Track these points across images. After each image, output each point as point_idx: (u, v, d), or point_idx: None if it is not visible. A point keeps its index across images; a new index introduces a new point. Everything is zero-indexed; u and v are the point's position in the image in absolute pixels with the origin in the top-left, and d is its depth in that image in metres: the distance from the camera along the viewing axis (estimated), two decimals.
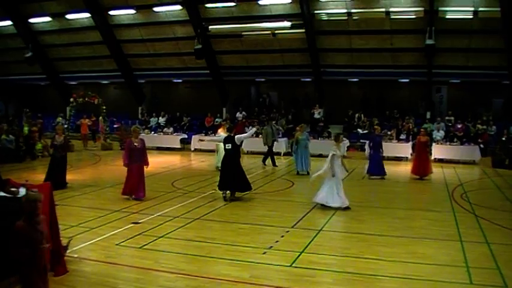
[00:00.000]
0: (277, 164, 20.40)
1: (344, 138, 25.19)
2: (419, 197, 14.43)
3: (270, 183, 16.45)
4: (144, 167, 13.31)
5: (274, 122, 23.32)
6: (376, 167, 17.54)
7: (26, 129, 23.76)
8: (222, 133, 18.54)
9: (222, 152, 18.10)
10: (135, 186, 13.04)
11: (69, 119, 29.28)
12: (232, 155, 13.36)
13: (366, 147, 19.43)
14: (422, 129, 19.84)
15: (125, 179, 13.20)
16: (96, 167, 20.37)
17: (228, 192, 13.23)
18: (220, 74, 31.67)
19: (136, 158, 13.11)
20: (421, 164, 17.64)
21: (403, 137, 24.60)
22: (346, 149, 24.06)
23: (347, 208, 12.02)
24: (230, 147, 13.31)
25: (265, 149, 21.05)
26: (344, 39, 27.51)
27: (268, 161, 20.50)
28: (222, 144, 18.02)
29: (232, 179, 13.07)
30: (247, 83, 33.89)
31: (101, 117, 28.75)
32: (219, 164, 18.26)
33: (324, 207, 12.08)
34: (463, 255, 8.53)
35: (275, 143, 20.94)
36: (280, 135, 22.33)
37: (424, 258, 8.34)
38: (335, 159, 12.22)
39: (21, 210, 4.85)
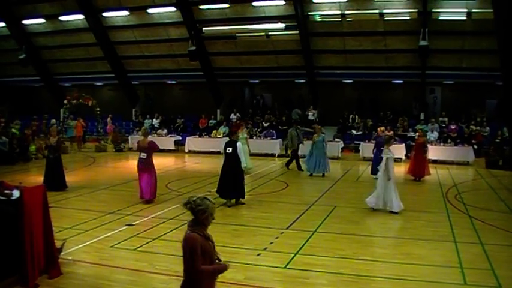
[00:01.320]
0: (302, 168, 19.73)
1: (337, 140, 25.36)
2: (413, 198, 14.44)
3: (264, 185, 16.46)
4: None
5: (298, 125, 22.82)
6: (376, 168, 17.54)
7: (14, 131, 23.52)
8: (240, 134, 18.71)
9: (245, 152, 18.34)
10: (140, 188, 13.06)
11: (63, 121, 29.21)
12: (234, 160, 13.00)
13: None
14: (419, 130, 19.89)
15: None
16: (90, 168, 20.30)
17: (233, 200, 13.04)
18: (214, 76, 31.66)
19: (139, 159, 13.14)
20: (417, 165, 17.67)
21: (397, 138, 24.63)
22: (340, 150, 24.14)
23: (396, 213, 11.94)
24: (231, 151, 12.97)
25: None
26: (338, 41, 27.57)
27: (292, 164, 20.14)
28: (242, 146, 18.38)
29: (233, 186, 12.87)
30: (241, 85, 33.92)
31: (109, 118, 28.64)
32: (246, 164, 18.47)
33: (376, 210, 12.06)
34: (457, 255, 8.55)
35: (300, 145, 20.50)
36: (304, 138, 21.77)
37: (419, 259, 8.36)
38: (390, 162, 12.11)
39: (195, 220, 4.75)
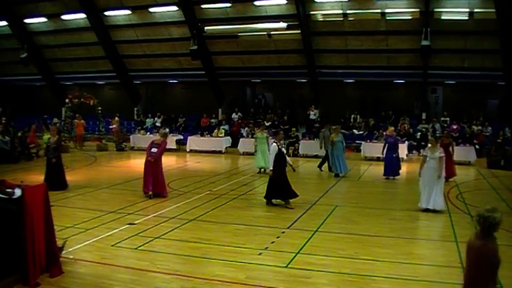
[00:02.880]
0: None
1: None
2: (414, 197, 14.40)
3: (265, 185, 16.40)
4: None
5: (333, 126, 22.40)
6: (388, 169, 17.59)
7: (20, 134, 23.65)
8: (259, 134, 18.77)
9: (263, 152, 18.37)
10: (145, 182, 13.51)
11: (65, 119, 29.24)
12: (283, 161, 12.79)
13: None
14: (445, 131, 19.83)
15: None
16: (92, 167, 20.31)
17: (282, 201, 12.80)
18: (216, 75, 31.67)
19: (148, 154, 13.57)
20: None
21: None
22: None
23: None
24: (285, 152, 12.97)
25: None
26: (340, 40, 27.57)
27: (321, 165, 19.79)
28: (262, 145, 18.42)
29: (286, 186, 12.70)
30: (243, 84, 33.97)
31: (116, 118, 28.65)
32: (262, 165, 18.53)
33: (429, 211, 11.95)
34: (458, 255, 8.53)
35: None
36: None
37: (420, 259, 8.36)
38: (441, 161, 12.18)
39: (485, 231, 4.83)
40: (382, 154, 18.04)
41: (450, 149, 16.80)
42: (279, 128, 21.23)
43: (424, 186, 12.13)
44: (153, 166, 13.29)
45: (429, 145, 12.82)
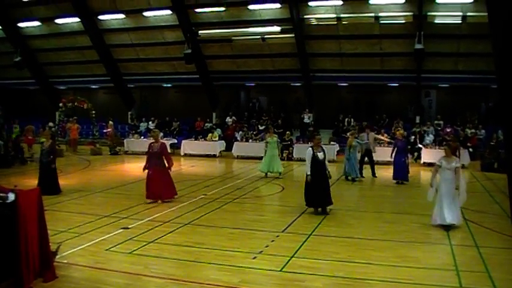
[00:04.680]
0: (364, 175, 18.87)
1: (333, 142, 25.38)
2: (408, 201, 14.47)
3: (260, 188, 16.45)
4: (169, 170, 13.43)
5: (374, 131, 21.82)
6: (397, 172, 17.55)
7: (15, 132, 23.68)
8: (269, 138, 18.74)
9: (272, 157, 18.37)
10: (161, 190, 13.23)
11: (58, 123, 29.17)
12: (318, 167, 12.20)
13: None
14: (451, 135, 19.78)
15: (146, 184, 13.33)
16: (86, 172, 20.25)
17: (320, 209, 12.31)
18: (210, 79, 31.65)
19: (153, 161, 13.25)
20: None
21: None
22: (336, 153, 24.13)
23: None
24: (323, 157, 12.20)
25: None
26: (333, 44, 27.63)
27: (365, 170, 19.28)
28: (272, 150, 18.37)
29: (326, 192, 12.21)
30: (237, 88, 33.98)
31: (111, 122, 28.60)
32: (268, 169, 18.48)
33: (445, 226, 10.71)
34: (452, 258, 8.57)
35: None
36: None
37: (414, 262, 8.36)
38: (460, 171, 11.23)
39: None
40: (391, 157, 17.89)
41: (457, 153, 16.71)
42: (315, 132, 21.07)
43: (440, 199, 10.87)
44: (162, 173, 13.23)
45: (443, 154, 11.58)
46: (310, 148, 12.25)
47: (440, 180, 11.08)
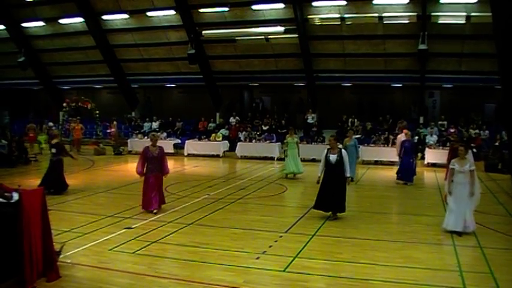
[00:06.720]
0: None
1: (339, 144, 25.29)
2: (412, 201, 14.44)
3: (263, 188, 16.43)
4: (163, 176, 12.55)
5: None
6: (402, 172, 17.49)
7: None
8: (289, 139, 18.69)
9: (294, 157, 18.34)
10: (161, 197, 12.48)
11: (62, 124, 29.24)
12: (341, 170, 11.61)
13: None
14: (455, 135, 19.69)
15: (142, 191, 12.39)
16: (89, 172, 20.26)
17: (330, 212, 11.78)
18: (214, 79, 31.67)
19: (153, 167, 12.23)
20: None
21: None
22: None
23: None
24: (336, 160, 11.53)
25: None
26: (337, 44, 27.60)
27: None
28: (292, 150, 18.30)
29: (336, 197, 11.56)
30: (241, 88, 33.96)
31: (114, 122, 28.63)
32: (292, 170, 18.45)
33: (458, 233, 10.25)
34: (456, 259, 8.55)
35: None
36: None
37: (418, 263, 8.34)
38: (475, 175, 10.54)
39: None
40: (399, 157, 17.75)
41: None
42: (349, 128, 20.59)
43: (453, 205, 10.34)
44: (159, 180, 12.38)
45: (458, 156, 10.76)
46: (327, 149, 11.80)
47: (453, 184, 10.47)
